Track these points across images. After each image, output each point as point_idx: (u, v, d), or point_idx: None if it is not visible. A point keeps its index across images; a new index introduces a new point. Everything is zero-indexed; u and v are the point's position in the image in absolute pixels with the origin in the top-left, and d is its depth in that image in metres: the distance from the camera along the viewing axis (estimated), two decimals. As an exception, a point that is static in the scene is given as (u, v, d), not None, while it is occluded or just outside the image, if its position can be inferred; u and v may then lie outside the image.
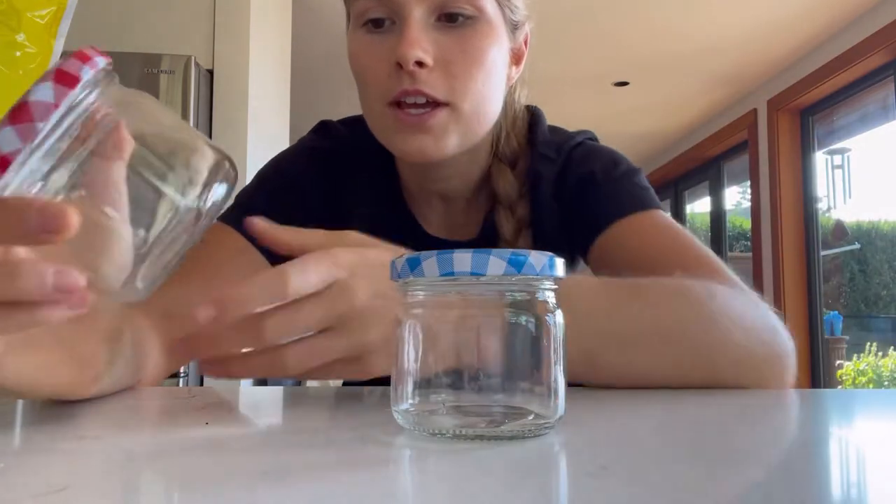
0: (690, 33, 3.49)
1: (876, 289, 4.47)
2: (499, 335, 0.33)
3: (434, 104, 0.64)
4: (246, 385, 2.47)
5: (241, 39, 2.47)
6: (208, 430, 0.36)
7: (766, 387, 0.52)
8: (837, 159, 4.15)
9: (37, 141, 0.30)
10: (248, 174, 1.00)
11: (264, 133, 2.59)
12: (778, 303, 3.88)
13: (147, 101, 0.35)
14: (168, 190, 0.33)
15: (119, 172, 0.32)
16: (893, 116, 3.47)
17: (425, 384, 0.33)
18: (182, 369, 2.22)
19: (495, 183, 0.73)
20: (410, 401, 0.33)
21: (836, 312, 4.30)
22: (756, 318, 0.54)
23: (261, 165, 0.79)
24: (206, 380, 2.33)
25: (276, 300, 0.38)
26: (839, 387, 4.25)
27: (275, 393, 0.54)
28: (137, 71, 2.24)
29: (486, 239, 0.75)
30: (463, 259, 0.32)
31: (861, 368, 4.32)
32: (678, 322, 0.51)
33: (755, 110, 4.25)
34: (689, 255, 0.63)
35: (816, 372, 3.87)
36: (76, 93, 0.31)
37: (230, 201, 0.38)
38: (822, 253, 3.99)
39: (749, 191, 4.37)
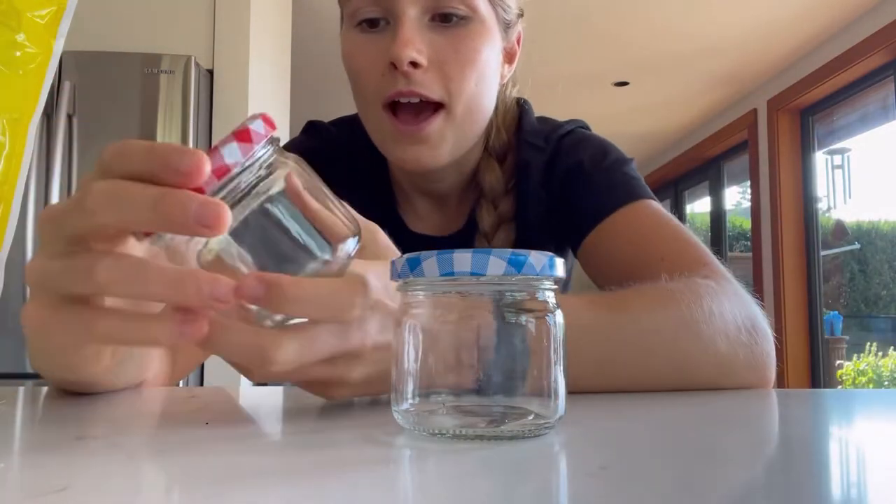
0: (690, 33, 3.49)
1: (876, 289, 4.47)
2: (499, 335, 0.33)
3: (428, 104, 0.64)
4: (246, 385, 2.46)
5: (241, 39, 2.47)
6: (208, 430, 0.36)
7: (746, 388, 0.53)
8: (837, 159, 4.15)
9: (247, 163, 0.33)
10: (248, 174, 1.00)
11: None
12: (778, 303, 3.88)
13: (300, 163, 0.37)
14: (311, 244, 0.35)
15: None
16: (893, 116, 3.47)
17: (425, 384, 0.33)
18: (182, 369, 2.22)
19: (482, 177, 0.74)
20: (410, 401, 0.33)
21: (836, 312, 4.30)
22: (739, 319, 0.53)
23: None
24: (206, 380, 2.33)
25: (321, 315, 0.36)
26: (839, 387, 4.25)
27: (275, 393, 0.54)
28: (137, 71, 2.24)
29: (468, 233, 0.75)
30: (463, 259, 0.32)
31: (861, 368, 4.32)
32: (660, 336, 0.50)
33: (755, 110, 4.25)
34: (675, 248, 0.63)
35: (816, 372, 3.87)
36: (265, 141, 0.34)
37: None
38: (822, 253, 3.99)
39: (749, 191, 4.37)
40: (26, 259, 2.04)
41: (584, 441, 0.34)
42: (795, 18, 3.33)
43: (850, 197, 4.15)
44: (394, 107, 0.65)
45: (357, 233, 0.37)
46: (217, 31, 2.47)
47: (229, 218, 0.30)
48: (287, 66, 2.95)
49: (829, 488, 0.26)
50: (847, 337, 4.35)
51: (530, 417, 0.33)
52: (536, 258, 0.32)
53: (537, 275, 0.32)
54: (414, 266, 0.33)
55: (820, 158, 4.01)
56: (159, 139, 2.25)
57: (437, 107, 0.65)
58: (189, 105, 2.25)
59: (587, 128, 0.79)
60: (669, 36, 3.53)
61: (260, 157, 0.34)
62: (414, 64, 0.62)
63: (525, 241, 0.73)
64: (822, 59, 3.58)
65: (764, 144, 4.14)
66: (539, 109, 0.80)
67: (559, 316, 0.34)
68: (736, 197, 5.34)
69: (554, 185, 0.73)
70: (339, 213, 0.37)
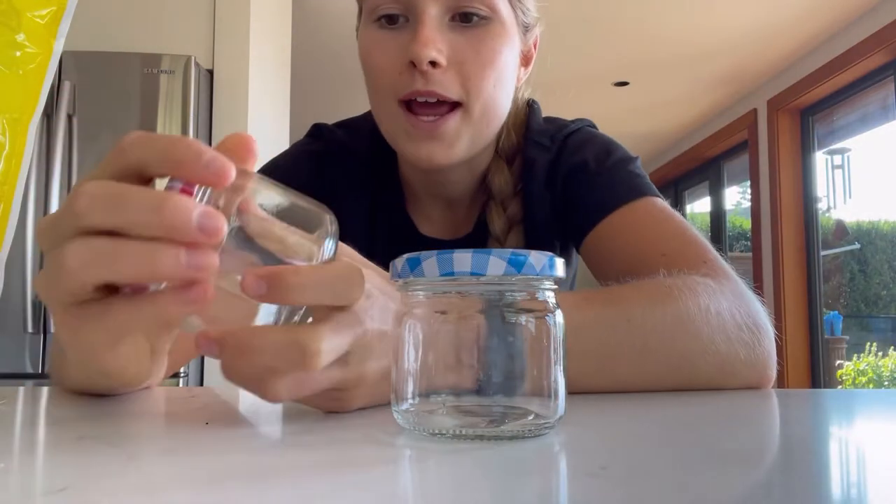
0: (691, 33, 3.49)
1: (876, 289, 4.47)
2: (499, 335, 0.33)
3: (445, 103, 0.64)
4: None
5: (241, 39, 2.47)
6: (208, 430, 0.36)
7: (746, 387, 0.52)
8: (837, 159, 4.15)
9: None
10: (248, 174, 0.99)
11: (264, 133, 2.59)
12: (778, 303, 3.88)
13: (261, 180, 0.36)
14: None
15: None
16: (893, 116, 3.47)
17: (425, 384, 0.33)
18: (182, 369, 2.22)
19: (491, 178, 0.74)
20: (410, 401, 0.33)
21: (836, 312, 4.30)
22: (739, 317, 0.53)
23: (260, 166, 0.79)
24: (205, 380, 2.33)
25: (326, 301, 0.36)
26: (839, 387, 4.25)
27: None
28: (137, 71, 2.24)
29: (479, 236, 0.75)
30: (463, 259, 0.32)
31: (861, 368, 4.32)
32: (658, 334, 0.50)
33: (755, 110, 4.25)
34: (676, 245, 0.62)
35: (816, 372, 3.87)
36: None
37: None
38: (822, 253, 3.99)
39: (749, 191, 4.37)
40: (26, 259, 2.04)
41: (584, 441, 0.34)
42: (795, 18, 3.33)
43: (850, 197, 4.15)
44: (409, 104, 0.65)
45: (325, 236, 0.36)
46: (217, 31, 2.47)
47: (225, 230, 0.30)
48: (287, 66, 2.95)
49: (829, 488, 0.26)
50: (847, 337, 4.35)
51: (530, 417, 0.33)
52: (536, 258, 0.32)
53: (537, 275, 0.32)
54: (414, 266, 0.33)
55: (820, 158, 4.01)
56: (159, 139, 2.25)
57: (453, 105, 0.64)
58: (189, 105, 2.26)
59: (594, 126, 0.79)
60: (669, 36, 3.53)
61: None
62: (433, 63, 0.62)
63: (534, 242, 0.73)
64: (822, 59, 3.58)
65: (764, 144, 4.14)
66: (539, 107, 0.80)
67: (559, 316, 0.34)
68: (736, 197, 5.34)
69: (558, 185, 0.73)
70: (299, 234, 0.36)
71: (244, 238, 0.34)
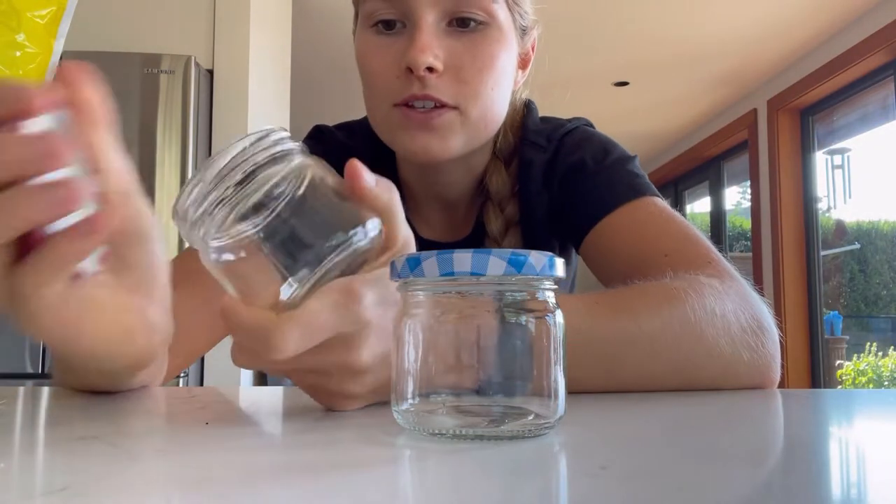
0: (690, 33, 3.49)
1: (876, 289, 4.47)
2: (499, 335, 0.33)
3: (442, 106, 0.64)
4: (246, 385, 2.47)
5: (241, 39, 2.47)
6: (208, 430, 0.36)
7: (750, 388, 0.52)
8: (837, 159, 4.15)
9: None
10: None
11: (264, 133, 2.59)
12: (778, 303, 3.88)
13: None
14: (328, 233, 0.36)
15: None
16: (893, 116, 3.47)
17: (425, 384, 0.33)
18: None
19: (489, 180, 0.73)
20: (410, 401, 0.33)
21: (836, 312, 4.30)
22: (743, 319, 0.53)
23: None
24: (206, 380, 2.33)
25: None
26: (839, 387, 4.25)
27: (275, 393, 0.54)
28: (137, 71, 2.24)
29: (477, 238, 0.75)
30: (463, 259, 0.32)
31: (861, 368, 4.32)
32: (665, 338, 0.50)
33: (755, 110, 4.25)
34: (678, 245, 0.62)
35: (816, 372, 3.87)
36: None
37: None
38: (822, 253, 3.99)
39: (749, 191, 4.37)
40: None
41: (584, 441, 0.34)
42: (795, 18, 3.33)
43: (850, 197, 4.15)
44: (404, 105, 0.65)
45: (373, 217, 0.38)
46: (217, 31, 2.47)
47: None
48: (287, 66, 2.95)
49: (830, 488, 0.26)
50: (847, 337, 4.35)
51: (530, 417, 0.33)
52: (536, 258, 0.32)
53: (537, 275, 0.32)
54: (414, 266, 0.33)
55: (820, 158, 4.01)
56: (159, 139, 2.25)
57: (450, 108, 0.65)
58: (189, 105, 2.26)
59: (591, 125, 0.79)
60: (669, 36, 3.53)
61: (278, 149, 0.35)
62: (430, 69, 0.62)
63: (532, 242, 0.73)
64: (822, 59, 3.58)
65: (764, 144, 4.14)
66: (539, 109, 0.80)
67: (559, 316, 0.34)
68: (736, 197, 5.34)
69: (555, 184, 0.73)
70: (353, 206, 0.38)
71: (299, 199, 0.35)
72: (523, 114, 0.77)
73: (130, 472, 0.28)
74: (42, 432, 0.36)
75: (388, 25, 0.65)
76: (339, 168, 0.39)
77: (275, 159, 0.35)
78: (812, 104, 3.89)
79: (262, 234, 0.34)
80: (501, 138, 0.74)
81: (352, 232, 0.36)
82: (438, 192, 0.75)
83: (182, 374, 2.22)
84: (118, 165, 0.36)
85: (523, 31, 0.70)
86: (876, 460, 0.31)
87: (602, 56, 3.80)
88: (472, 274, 0.32)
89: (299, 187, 0.36)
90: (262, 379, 2.70)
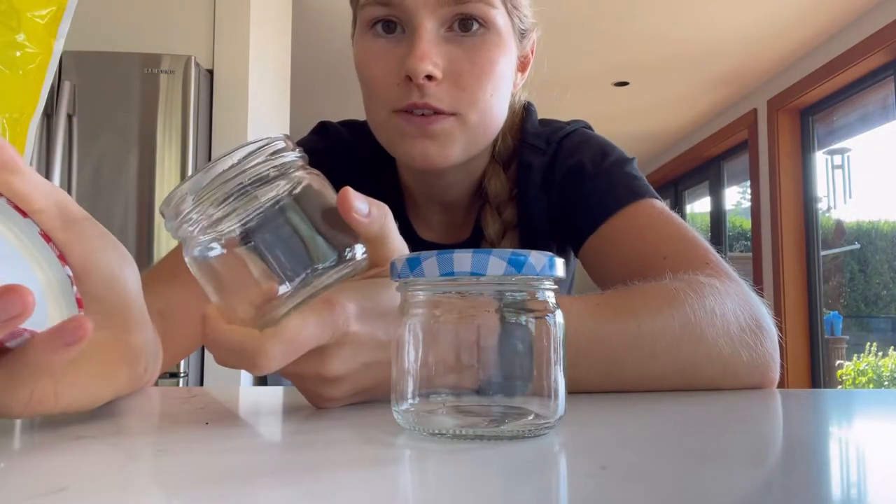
0: (690, 33, 3.50)
1: (876, 289, 4.47)
2: (499, 335, 0.33)
3: (440, 114, 0.64)
4: (246, 385, 2.47)
5: (241, 39, 2.47)
6: (208, 430, 0.36)
7: (750, 388, 0.53)
8: (837, 159, 4.15)
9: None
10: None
11: (264, 133, 2.59)
12: (778, 303, 3.88)
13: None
14: (316, 250, 0.37)
15: None
16: (893, 116, 3.47)
17: (425, 384, 0.33)
18: (182, 370, 2.22)
19: (487, 182, 0.74)
20: (410, 401, 0.33)
21: (836, 312, 4.30)
22: (742, 319, 0.53)
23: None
24: (206, 380, 2.33)
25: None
26: (839, 387, 4.25)
27: (275, 393, 0.54)
28: (137, 71, 2.25)
29: (477, 241, 0.75)
30: (463, 259, 0.32)
31: (861, 368, 4.32)
32: (666, 339, 0.50)
33: (755, 110, 4.25)
34: (678, 246, 0.62)
35: (816, 372, 3.87)
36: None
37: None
38: (822, 253, 3.99)
39: (749, 191, 4.37)
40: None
41: (584, 441, 0.34)
42: (795, 18, 3.33)
43: (850, 197, 4.15)
44: (404, 112, 0.65)
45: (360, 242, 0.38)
46: (217, 31, 2.47)
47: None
48: (287, 66, 2.95)
49: (830, 488, 0.26)
50: (847, 337, 4.35)
51: (530, 417, 0.33)
52: (536, 258, 0.32)
53: (537, 275, 0.32)
54: (414, 266, 0.33)
55: (820, 158, 4.01)
56: (159, 139, 2.25)
57: (449, 115, 0.65)
58: (189, 105, 2.26)
59: (589, 128, 0.79)
60: (669, 36, 3.53)
61: (278, 159, 0.35)
62: (429, 77, 0.62)
63: (529, 245, 0.73)
64: (822, 59, 3.58)
65: (764, 144, 4.14)
66: (539, 110, 0.80)
67: (559, 316, 0.34)
68: (736, 197, 5.34)
69: (554, 188, 0.73)
70: (345, 225, 0.38)
71: (282, 215, 0.35)
72: (522, 116, 0.77)
73: (130, 472, 0.28)
74: (42, 432, 0.36)
75: (387, 28, 0.65)
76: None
77: (273, 169, 0.35)
78: (812, 104, 3.89)
79: (251, 244, 0.35)
80: (500, 141, 0.74)
81: (342, 253, 0.37)
82: (438, 194, 0.75)
83: (182, 374, 2.22)
84: (54, 199, 0.35)
85: (522, 35, 0.70)
86: (876, 460, 0.31)
87: (602, 56, 3.80)
88: (472, 274, 0.32)
89: (293, 199, 0.36)
90: (261, 379, 2.71)
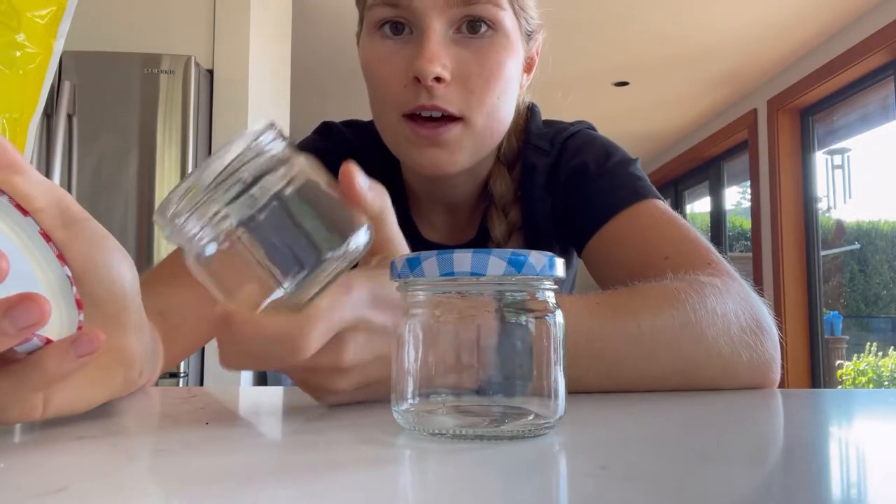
0: (690, 33, 3.49)
1: (876, 289, 4.47)
2: (499, 335, 0.33)
3: (447, 118, 0.64)
4: (246, 385, 2.47)
5: (241, 39, 2.47)
6: (208, 430, 0.36)
7: (749, 388, 0.52)
8: (837, 159, 4.15)
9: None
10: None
11: (264, 133, 2.59)
12: (778, 303, 3.88)
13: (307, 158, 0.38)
14: (321, 237, 0.36)
15: None
16: (893, 116, 3.47)
17: (425, 384, 0.33)
18: (182, 369, 2.22)
19: (493, 184, 0.74)
20: (410, 401, 0.33)
21: (836, 312, 4.30)
22: (743, 319, 0.53)
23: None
24: (206, 380, 2.33)
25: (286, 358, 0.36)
26: (839, 387, 4.25)
27: (275, 393, 0.54)
28: (137, 71, 2.25)
29: (481, 242, 0.75)
30: (463, 259, 0.32)
31: (861, 368, 4.32)
32: (666, 339, 0.50)
33: (755, 110, 4.25)
34: (680, 247, 0.62)
35: (816, 372, 3.87)
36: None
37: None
38: (822, 253, 3.99)
39: (749, 191, 4.37)
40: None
41: (584, 441, 0.34)
42: (795, 18, 3.33)
43: (850, 197, 4.15)
44: (412, 116, 0.65)
45: (366, 223, 0.37)
46: (217, 31, 2.47)
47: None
48: (287, 66, 2.95)
49: (830, 488, 0.26)
50: (847, 337, 4.35)
51: (530, 417, 0.33)
52: (536, 258, 0.32)
53: (537, 275, 0.32)
54: (414, 266, 0.33)
55: (820, 158, 4.01)
56: (159, 139, 2.25)
57: (456, 118, 0.65)
58: (189, 105, 2.26)
59: (593, 129, 0.79)
60: (669, 36, 3.53)
61: (269, 150, 0.34)
62: (438, 79, 0.62)
63: (534, 246, 0.73)
64: (822, 59, 3.58)
65: (764, 144, 4.14)
66: (539, 110, 0.80)
67: (559, 316, 0.34)
68: (736, 197, 5.34)
69: (558, 188, 0.73)
70: (346, 209, 0.37)
71: (281, 207, 0.35)
72: (526, 118, 0.77)
73: (130, 472, 0.28)
74: (42, 432, 0.36)
75: (395, 29, 0.64)
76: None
77: (269, 160, 0.35)
78: (812, 104, 3.89)
79: (252, 235, 0.34)
80: (505, 143, 0.74)
81: (348, 237, 0.36)
82: (442, 195, 0.75)
83: (182, 374, 2.22)
84: (55, 198, 0.35)
85: (529, 36, 0.70)
86: (876, 460, 0.31)
87: (602, 56, 3.80)
88: (472, 274, 0.32)
89: (292, 188, 0.35)
90: (262, 379, 2.71)
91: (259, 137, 0.35)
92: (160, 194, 2.24)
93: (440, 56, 0.62)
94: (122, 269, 0.38)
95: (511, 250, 0.32)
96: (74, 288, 0.35)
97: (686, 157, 5.31)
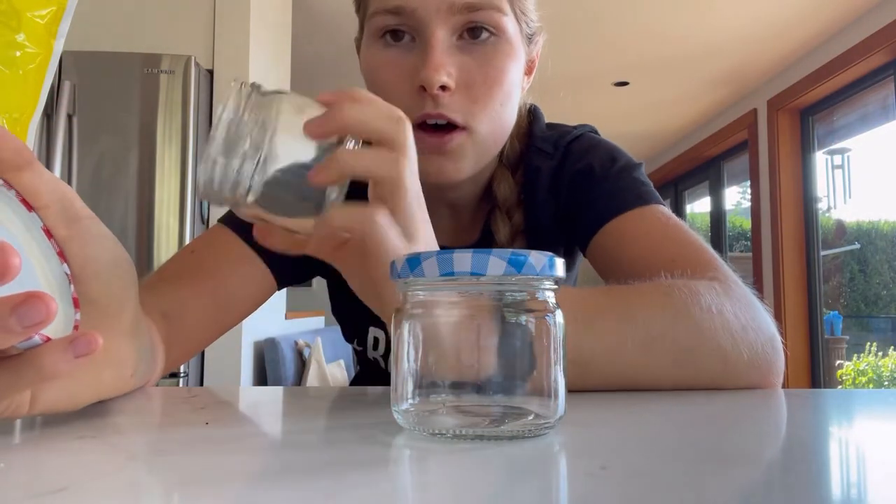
0: (691, 33, 3.50)
1: (876, 289, 4.47)
2: (499, 335, 0.33)
3: (453, 126, 0.64)
4: (246, 385, 2.47)
5: (241, 39, 2.47)
6: (208, 430, 0.36)
7: (751, 388, 0.52)
8: (837, 159, 4.15)
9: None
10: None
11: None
12: (778, 303, 3.88)
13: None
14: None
15: None
16: (893, 116, 3.47)
17: (425, 384, 0.33)
18: (182, 370, 2.22)
19: (496, 187, 0.74)
20: (410, 401, 0.33)
21: (836, 312, 4.30)
22: (744, 320, 0.53)
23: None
24: (206, 380, 2.33)
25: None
26: (839, 387, 4.25)
27: (275, 393, 0.54)
28: (137, 71, 2.25)
29: (485, 244, 0.75)
30: (463, 259, 0.32)
31: (861, 368, 4.32)
32: (660, 331, 0.50)
33: (755, 110, 4.25)
34: (683, 252, 0.62)
35: (816, 372, 3.88)
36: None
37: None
38: (822, 253, 3.99)
39: (749, 191, 4.37)
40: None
41: (584, 441, 0.34)
42: (795, 18, 3.33)
43: (850, 197, 4.15)
44: (417, 124, 0.65)
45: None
46: (217, 31, 2.47)
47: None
48: (287, 66, 2.95)
49: (830, 488, 0.26)
50: (847, 337, 4.35)
51: (530, 417, 0.33)
52: (536, 258, 0.32)
53: (537, 275, 0.32)
54: (414, 266, 0.33)
55: (820, 158, 4.01)
56: (159, 139, 2.25)
57: (461, 127, 0.65)
58: (189, 105, 2.26)
59: (596, 132, 0.79)
60: (669, 36, 3.53)
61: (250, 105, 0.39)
62: (443, 87, 0.62)
63: (538, 248, 0.73)
64: (822, 59, 3.58)
65: (764, 144, 4.15)
66: (542, 112, 0.80)
67: (559, 316, 0.34)
68: (736, 197, 5.34)
69: (562, 191, 0.73)
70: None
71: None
72: (529, 120, 0.77)
73: (130, 472, 0.28)
74: (42, 432, 0.36)
75: (396, 36, 0.64)
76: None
77: (260, 110, 0.39)
78: (812, 104, 3.89)
79: (277, 174, 0.38)
80: (508, 146, 0.74)
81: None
82: (445, 198, 0.76)
83: (182, 374, 2.22)
84: (59, 195, 0.35)
85: (529, 39, 0.70)
86: (876, 460, 0.31)
87: (602, 56, 3.80)
88: (472, 274, 0.32)
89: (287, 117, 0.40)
90: (262, 379, 2.71)
91: (255, 92, 0.39)
92: (160, 194, 2.24)
93: (445, 64, 0.62)
94: (120, 269, 0.38)
95: (511, 250, 0.32)
96: (72, 286, 0.35)
97: (686, 157, 5.31)
